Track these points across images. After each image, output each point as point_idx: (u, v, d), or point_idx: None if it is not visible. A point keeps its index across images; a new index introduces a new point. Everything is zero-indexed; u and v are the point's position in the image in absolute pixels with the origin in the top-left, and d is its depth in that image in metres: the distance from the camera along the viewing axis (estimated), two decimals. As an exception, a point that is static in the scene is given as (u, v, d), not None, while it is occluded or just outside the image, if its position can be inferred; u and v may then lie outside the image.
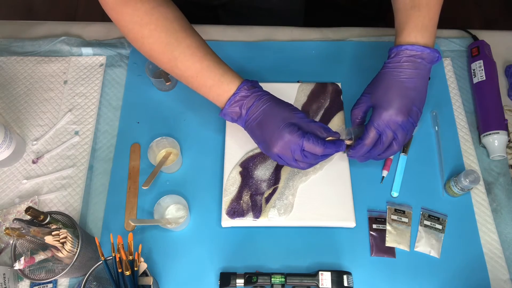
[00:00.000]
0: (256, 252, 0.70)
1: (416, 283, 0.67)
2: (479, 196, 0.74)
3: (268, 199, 0.70)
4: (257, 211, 0.69)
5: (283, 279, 0.64)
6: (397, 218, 0.71)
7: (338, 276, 0.64)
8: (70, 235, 0.61)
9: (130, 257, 0.59)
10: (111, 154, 0.78)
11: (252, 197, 0.71)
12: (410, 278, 0.68)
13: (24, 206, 0.72)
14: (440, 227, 0.71)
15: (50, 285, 0.67)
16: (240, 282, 0.64)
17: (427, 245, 0.70)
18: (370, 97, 0.64)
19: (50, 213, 0.63)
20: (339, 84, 0.81)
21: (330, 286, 0.63)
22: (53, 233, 0.61)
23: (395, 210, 0.72)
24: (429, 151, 0.78)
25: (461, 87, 0.85)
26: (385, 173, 0.75)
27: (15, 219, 0.59)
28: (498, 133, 0.75)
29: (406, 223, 0.71)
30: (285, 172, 0.72)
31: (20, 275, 0.61)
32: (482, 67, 0.81)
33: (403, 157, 0.76)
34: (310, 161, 0.62)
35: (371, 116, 0.63)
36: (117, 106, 0.83)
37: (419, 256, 0.69)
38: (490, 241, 0.71)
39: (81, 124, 0.81)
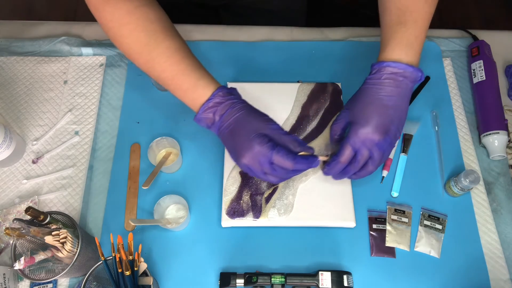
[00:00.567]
0: (256, 252, 0.70)
1: (416, 283, 0.67)
2: (479, 196, 0.74)
3: (268, 199, 0.70)
4: (257, 211, 0.69)
5: (283, 279, 0.64)
6: (397, 218, 0.71)
7: (338, 276, 0.64)
8: (70, 235, 0.61)
9: (130, 257, 0.59)
10: (111, 154, 0.78)
11: (252, 197, 0.71)
12: (410, 278, 0.68)
13: (24, 206, 0.72)
14: (440, 227, 0.71)
15: (50, 285, 0.67)
16: (240, 282, 0.64)
17: (427, 245, 0.70)
18: (349, 113, 0.62)
19: (50, 213, 0.63)
20: (339, 84, 0.81)
21: (330, 286, 0.63)
22: (53, 233, 0.61)
23: (395, 210, 0.72)
24: (429, 151, 0.78)
25: (461, 87, 0.85)
26: (385, 173, 0.75)
27: (15, 219, 0.59)
28: (498, 133, 0.75)
29: (406, 223, 0.71)
30: (285, 172, 0.72)
31: (20, 275, 0.61)
32: (482, 67, 0.81)
33: (403, 157, 0.76)
34: (279, 175, 0.59)
35: (347, 133, 0.61)
36: (117, 106, 0.83)
37: (419, 256, 0.69)
38: (490, 241, 0.71)
39: (81, 124, 0.81)
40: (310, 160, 0.59)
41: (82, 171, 0.76)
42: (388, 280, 0.68)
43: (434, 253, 0.69)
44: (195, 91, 0.61)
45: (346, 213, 0.69)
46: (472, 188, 0.71)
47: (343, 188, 0.71)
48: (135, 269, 0.59)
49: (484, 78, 0.81)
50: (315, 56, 0.88)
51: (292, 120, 0.77)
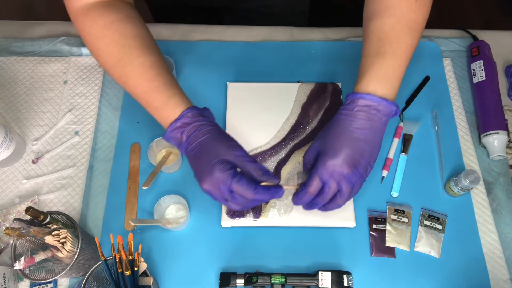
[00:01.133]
0: (256, 252, 0.70)
1: (416, 283, 0.67)
2: (479, 196, 0.74)
3: (268, 199, 0.70)
4: (257, 211, 0.69)
5: (283, 279, 0.64)
6: (397, 218, 0.72)
7: (338, 276, 0.64)
8: (70, 235, 0.61)
9: (130, 257, 0.59)
10: (111, 154, 0.78)
11: (252, 197, 0.70)
12: (410, 278, 0.68)
13: (24, 206, 0.72)
14: (440, 227, 0.71)
15: (50, 285, 0.67)
16: (240, 282, 0.64)
17: (427, 245, 0.70)
18: (320, 143, 0.60)
19: (50, 213, 0.63)
20: (339, 84, 0.82)
21: (330, 286, 0.63)
22: (53, 233, 0.61)
23: (395, 210, 0.72)
24: (429, 151, 0.78)
25: (461, 87, 0.85)
26: (385, 173, 0.75)
27: (15, 219, 0.59)
28: (498, 133, 0.75)
29: (406, 223, 0.71)
30: (285, 171, 0.72)
31: (20, 275, 0.61)
32: (482, 67, 0.81)
33: (403, 157, 0.76)
34: (240, 203, 0.57)
35: (316, 163, 0.59)
36: (117, 106, 0.83)
37: (419, 256, 0.69)
38: (490, 241, 0.71)
39: (81, 124, 0.81)
40: (273, 191, 0.57)
41: (82, 171, 0.76)
42: (388, 280, 0.68)
43: (434, 253, 0.69)
44: (165, 110, 0.59)
45: (346, 213, 0.69)
46: (472, 188, 0.71)
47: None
48: (135, 269, 0.59)
49: (484, 78, 0.81)
50: (315, 56, 0.88)
51: (292, 120, 0.77)
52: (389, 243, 0.70)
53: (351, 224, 0.69)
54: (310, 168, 0.63)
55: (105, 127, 0.81)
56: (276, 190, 0.58)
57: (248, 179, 0.56)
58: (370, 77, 0.57)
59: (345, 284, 0.64)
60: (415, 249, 0.70)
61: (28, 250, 0.62)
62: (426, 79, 0.85)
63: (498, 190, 0.75)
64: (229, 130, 0.77)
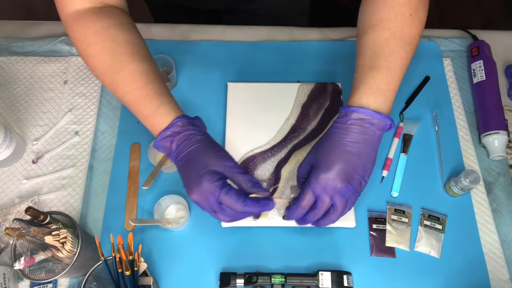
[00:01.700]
0: (256, 252, 0.70)
1: (416, 283, 0.67)
2: (479, 196, 0.74)
3: (268, 199, 0.70)
4: (257, 211, 0.69)
5: (283, 279, 0.64)
6: (397, 218, 0.72)
7: (338, 276, 0.64)
8: (70, 235, 0.61)
9: (130, 257, 0.59)
10: (111, 154, 0.78)
11: (252, 197, 0.70)
12: (410, 278, 0.68)
13: (24, 206, 0.72)
14: (440, 227, 0.71)
15: (50, 285, 0.67)
16: (240, 282, 0.64)
17: (427, 245, 0.70)
18: (313, 156, 0.59)
19: (50, 213, 0.63)
20: (339, 84, 0.81)
21: (330, 286, 0.63)
22: (53, 233, 0.61)
23: (395, 210, 0.72)
24: (429, 151, 0.78)
25: (461, 87, 0.85)
26: (385, 173, 0.75)
27: (15, 219, 0.59)
28: (498, 133, 0.75)
29: (406, 223, 0.71)
30: (285, 171, 0.72)
31: (20, 275, 0.61)
32: (482, 67, 0.81)
33: (403, 157, 0.76)
34: (229, 215, 0.56)
35: (309, 177, 0.57)
36: (117, 106, 0.83)
37: (419, 256, 0.69)
38: (490, 241, 0.71)
39: (81, 124, 0.81)
40: (262, 203, 0.56)
41: (82, 171, 0.76)
42: (388, 280, 0.68)
43: (434, 253, 0.69)
44: (154, 118, 0.58)
45: (346, 213, 0.69)
46: (472, 188, 0.71)
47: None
48: (135, 269, 0.59)
49: (484, 78, 0.81)
50: (315, 56, 0.88)
51: (292, 120, 0.77)
52: (389, 243, 0.70)
53: (351, 224, 0.69)
54: (303, 182, 0.61)
55: (105, 127, 0.81)
56: (266, 202, 0.57)
57: (238, 191, 0.55)
58: (364, 91, 0.56)
59: (345, 284, 0.64)
60: (415, 249, 0.70)
61: (28, 250, 0.62)
62: (426, 79, 0.85)
63: (498, 190, 0.75)
64: (229, 130, 0.77)
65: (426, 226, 0.71)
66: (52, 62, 0.87)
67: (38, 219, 0.61)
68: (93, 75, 0.85)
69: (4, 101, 0.83)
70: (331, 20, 1.01)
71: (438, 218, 0.72)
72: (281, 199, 0.62)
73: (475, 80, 0.82)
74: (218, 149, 0.58)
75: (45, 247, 0.62)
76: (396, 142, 0.78)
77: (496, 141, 0.75)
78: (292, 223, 0.69)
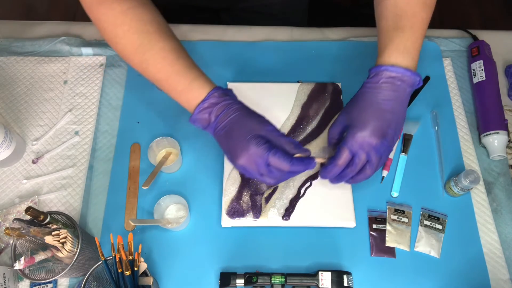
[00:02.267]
0: (256, 252, 0.70)
1: (416, 283, 0.68)
2: (479, 196, 0.74)
3: (268, 199, 0.70)
4: (257, 211, 0.70)
5: (283, 279, 0.64)
6: (397, 218, 0.72)
7: (338, 276, 0.64)
8: (70, 235, 0.61)
9: (130, 257, 0.59)
10: (111, 154, 0.78)
11: (252, 197, 0.71)
12: (410, 278, 0.68)
13: (24, 206, 0.72)
14: (440, 227, 0.71)
15: (50, 285, 0.67)
16: (240, 282, 0.64)
17: (427, 245, 0.70)
18: (346, 117, 0.62)
19: (50, 213, 0.63)
20: (339, 84, 0.82)
21: (330, 286, 0.63)
22: (53, 233, 0.61)
23: (395, 210, 0.72)
24: (429, 151, 0.78)
25: (461, 87, 0.85)
26: (385, 173, 0.75)
27: (15, 219, 0.59)
28: (498, 133, 0.75)
29: (406, 223, 0.71)
30: (285, 172, 0.72)
31: (20, 275, 0.61)
32: (482, 67, 0.81)
33: (403, 157, 0.76)
34: (276, 176, 0.58)
35: (345, 136, 0.60)
36: (117, 106, 0.83)
37: (419, 256, 0.69)
38: (490, 241, 0.71)
39: (81, 124, 0.81)
40: (306, 162, 0.59)
41: (82, 171, 0.76)
42: (388, 280, 0.68)
43: (434, 253, 0.69)
44: (190, 92, 0.60)
45: (346, 213, 0.69)
46: (472, 188, 0.71)
47: (343, 188, 0.71)
48: (135, 269, 0.59)
49: (484, 78, 0.81)
50: (315, 56, 0.88)
51: (292, 120, 0.77)
52: (389, 243, 0.70)
53: (351, 224, 0.69)
54: (335, 143, 0.65)
55: (105, 127, 0.81)
56: (309, 161, 0.59)
57: (283, 152, 0.57)
58: (392, 50, 0.59)
59: (345, 284, 0.64)
60: (415, 249, 0.70)
61: (28, 250, 0.62)
62: (426, 79, 0.85)
63: (498, 190, 0.75)
64: (229, 130, 0.77)
65: (426, 226, 0.71)
66: (52, 62, 0.87)
67: (38, 219, 0.61)
68: (93, 75, 0.85)
69: (4, 101, 0.83)
70: (330, 18, 1.01)
71: (438, 218, 0.72)
72: (319, 158, 0.63)
73: (475, 80, 0.82)
74: (257, 115, 0.61)
75: (45, 247, 0.62)
76: (396, 142, 0.78)
77: (496, 141, 0.75)
78: (292, 223, 0.69)
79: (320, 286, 0.63)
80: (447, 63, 0.87)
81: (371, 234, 0.71)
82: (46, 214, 0.61)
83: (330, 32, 0.92)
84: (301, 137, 0.76)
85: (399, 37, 0.59)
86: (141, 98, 0.83)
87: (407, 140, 0.78)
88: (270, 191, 0.71)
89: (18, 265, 0.59)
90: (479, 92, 0.81)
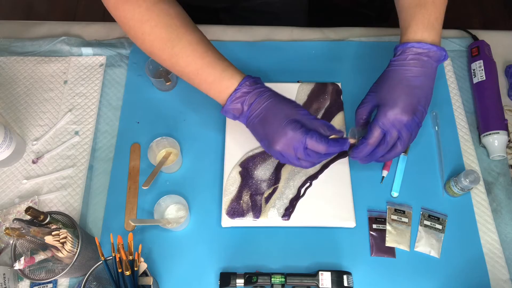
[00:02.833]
0: (256, 252, 0.70)
1: (416, 283, 0.67)
2: (479, 196, 0.74)
3: (268, 199, 0.70)
4: (257, 211, 0.70)
5: (283, 279, 0.64)
6: (397, 218, 0.71)
7: (338, 276, 0.64)
8: (70, 235, 0.61)
9: (130, 257, 0.59)
10: (111, 154, 0.78)
11: (252, 197, 0.71)
12: (410, 278, 0.68)
13: (24, 206, 0.72)
14: (440, 227, 0.71)
15: (50, 285, 0.67)
16: (240, 282, 0.64)
17: (427, 245, 0.70)
18: (375, 96, 0.63)
19: (50, 213, 0.63)
20: (339, 84, 0.82)
21: (330, 286, 0.63)
22: (53, 233, 0.61)
23: (395, 210, 0.72)
24: (429, 151, 0.78)
25: (461, 87, 0.85)
26: (385, 173, 0.75)
27: (15, 219, 0.59)
28: (498, 133, 0.75)
29: (406, 223, 0.71)
30: (285, 171, 0.72)
31: (20, 275, 0.61)
32: (482, 67, 0.81)
33: (403, 157, 0.76)
34: (312, 159, 0.60)
35: (375, 115, 0.61)
36: (117, 106, 0.83)
37: (419, 256, 0.69)
38: (490, 241, 0.71)
39: (81, 124, 0.81)
40: (341, 142, 0.60)
41: (82, 171, 0.76)
42: (388, 280, 0.68)
43: (434, 253, 0.69)
44: (221, 83, 0.61)
45: (346, 213, 0.69)
46: (472, 188, 0.71)
47: (343, 188, 0.71)
48: (135, 269, 0.59)
49: (484, 78, 0.81)
50: (315, 56, 0.88)
51: (292, 120, 0.77)
52: (389, 243, 0.70)
53: (351, 224, 0.69)
54: (364, 123, 0.65)
55: (105, 127, 0.81)
56: (343, 141, 0.61)
57: (319, 134, 0.59)
58: (417, 27, 0.60)
59: (345, 284, 0.64)
60: (415, 249, 0.70)
61: (28, 250, 0.62)
62: (426, 79, 0.85)
63: (498, 190, 0.75)
64: (229, 130, 0.77)
65: (426, 226, 0.71)
66: (52, 62, 0.87)
67: (38, 219, 0.61)
68: (93, 75, 0.85)
69: (4, 101, 0.83)
70: (330, 18, 1.01)
71: (438, 218, 0.72)
72: (352, 139, 0.64)
73: (475, 80, 0.82)
74: (289, 101, 0.62)
75: (45, 247, 0.62)
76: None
77: (496, 141, 0.75)
78: (292, 223, 0.69)
79: (320, 286, 0.63)
80: (447, 63, 0.87)
81: (371, 234, 0.71)
82: (46, 214, 0.61)
83: (330, 32, 0.92)
84: (301, 137, 0.76)
85: (422, 13, 0.60)
86: (141, 98, 0.83)
87: (407, 140, 0.78)
88: (270, 191, 0.71)
89: (18, 265, 0.59)
90: (479, 92, 0.81)
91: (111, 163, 0.77)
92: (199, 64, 0.62)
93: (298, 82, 0.82)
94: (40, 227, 0.61)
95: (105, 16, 0.65)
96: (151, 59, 0.79)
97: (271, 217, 0.69)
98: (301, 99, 0.80)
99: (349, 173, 0.73)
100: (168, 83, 0.80)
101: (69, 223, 0.65)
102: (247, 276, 0.64)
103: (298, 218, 0.69)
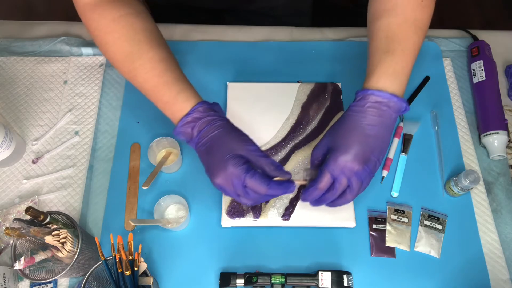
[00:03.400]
0: (256, 252, 0.70)
1: (416, 283, 0.67)
2: (479, 196, 0.74)
3: (268, 199, 0.70)
4: (257, 211, 0.69)
5: (283, 279, 0.64)
6: (397, 218, 0.72)
7: (338, 276, 0.64)
8: (70, 235, 0.61)
9: (130, 257, 0.59)
10: (111, 154, 0.78)
11: (252, 197, 0.70)
12: (410, 278, 0.68)
13: (24, 206, 0.72)
14: (440, 227, 0.71)
15: (50, 285, 0.67)
16: (240, 282, 0.64)
17: (427, 245, 0.70)
18: (330, 139, 0.60)
19: (50, 213, 0.63)
20: (339, 84, 0.82)
21: (330, 286, 0.63)
22: (53, 233, 0.61)
23: (395, 210, 0.72)
24: (429, 151, 0.78)
25: (461, 87, 0.85)
26: (385, 173, 0.75)
27: (15, 219, 0.59)
28: (498, 133, 0.75)
29: (406, 223, 0.71)
30: (285, 172, 0.72)
31: (20, 275, 0.61)
32: (482, 67, 0.81)
33: (403, 157, 0.76)
34: (253, 198, 0.57)
35: (327, 159, 0.58)
36: (117, 106, 0.83)
37: (419, 256, 0.69)
38: (490, 241, 0.71)
39: (81, 124, 0.81)
40: (285, 186, 0.58)
41: (82, 171, 0.76)
42: (388, 280, 0.68)
43: (434, 253, 0.69)
44: (175, 105, 0.59)
45: (346, 213, 0.69)
46: (472, 188, 0.71)
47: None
48: (135, 269, 0.59)
49: (484, 78, 0.81)
50: (315, 56, 0.88)
51: (292, 120, 0.77)
52: (389, 243, 0.70)
53: (351, 224, 0.69)
54: (318, 165, 0.63)
55: (105, 127, 0.81)
56: (288, 185, 0.58)
57: (262, 174, 0.56)
58: (380, 74, 0.58)
59: (345, 284, 0.64)
60: (415, 249, 0.70)
61: (28, 250, 0.62)
62: (426, 79, 0.85)
63: (498, 190, 0.75)
64: (229, 130, 0.77)
65: (426, 226, 0.71)
66: (52, 62, 0.87)
67: (38, 219, 0.61)
68: (93, 75, 0.85)
69: (4, 101, 0.83)
70: (333, 21, 1.01)
71: (438, 218, 0.72)
72: (300, 181, 0.62)
73: (475, 80, 0.82)
74: (240, 134, 0.59)
75: (45, 247, 0.62)
76: (396, 142, 0.78)
77: (496, 141, 0.75)
78: (292, 223, 0.69)
79: (320, 286, 0.63)
80: (447, 63, 0.87)
81: (371, 234, 0.71)
82: (46, 214, 0.61)
83: (330, 32, 0.92)
84: (301, 137, 0.76)
85: (388, 60, 0.58)
86: (141, 98, 0.82)
87: (407, 140, 0.78)
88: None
89: (18, 265, 0.59)
90: (479, 92, 0.81)
91: (111, 163, 0.77)
92: (156, 82, 0.60)
93: (298, 82, 0.82)
94: (40, 227, 0.61)
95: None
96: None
97: (271, 217, 0.69)
98: (301, 99, 0.80)
99: (349, 173, 0.73)
100: (168, 83, 0.80)
101: (69, 223, 0.65)
102: (247, 276, 0.64)
103: (298, 218, 0.69)
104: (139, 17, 0.61)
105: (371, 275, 0.68)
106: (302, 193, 0.61)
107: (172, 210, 0.72)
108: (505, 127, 0.76)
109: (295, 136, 0.76)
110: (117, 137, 0.79)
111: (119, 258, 0.58)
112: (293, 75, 0.85)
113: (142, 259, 0.60)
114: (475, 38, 0.89)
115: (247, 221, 0.69)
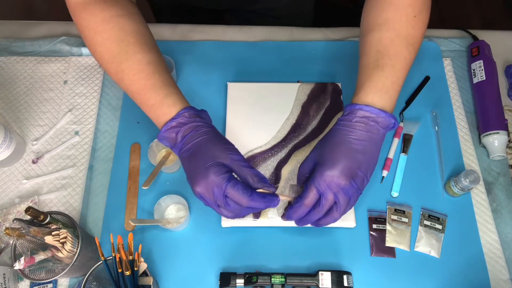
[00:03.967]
0: (256, 252, 0.70)
1: (416, 283, 0.67)
2: (479, 196, 0.74)
3: (268, 199, 0.70)
4: (257, 211, 0.69)
5: (283, 279, 0.64)
6: (397, 218, 0.72)
7: (338, 276, 0.64)
8: (70, 235, 0.61)
9: (130, 257, 0.59)
10: (111, 154, 0.78)
11: (252, 197, 0.70)
12: (410, 278, 0.68)
13: (24, 206, 0.72)
14: (440, 227, 0.71)
15: (50, 285, 0.67)
16: (240, 282, 0.64)
17: (427, 245, 0.70)
18: (317, 154, 0.58)
19: (50, 213, 0.63)
20: (339, 84, 0.82)
21: (330, 286, 0.63)
22: (53, 233, 0.61)
23: (395, 210, 0.72)
24: (429, 151, 0.78)
25: (461, 87, 0.85)
26: (385, 173, 0.75)
27: (15, 219, 0.59)
28: (498, 133, 0.75)
29: (406, 223, 0.71)
30: (285, 171, 0.72)
31: (20, 275, 0.61)
32: (482, 67, 0.81)
33: (403, 157, 0.76)
34: (233, 210, 0.55)
35: (313, 174, 0.57)
36: (117, 106, 0.83)
37: (419, 256, 0.69)
38: (490, 241, 0.71)
39: (81, 124, 0.81)
40: (268, 199, 0.56)
41: (82, 171, 0.76)
42: (388, 280, 0.68)
43: (434, 253, 0.69)
44: (160, 108, 0.58)
45: (347, 211, 0.69)
46: (472, 188, 0.71)
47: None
48: (135, 269, 0.59)
49: (484, 78, 0.81)
50: (315, 56, 0.88)
51: (292, 120, 0.77)
52: (389, 243, 0.70)
53: (351, 224, 0.69)
54: (304, 181, 0.61)
55: (105, 127, 0.81)
56: (271, 198, 0.56)
57: (244, 185, 0.54)
58: (369, 89, 0.57)
59: (345, 284, 0.64)
60: (415, 249, 0.70)
61: (28, 250, 0.62)
62: (426, 79, 0.85)
63: (498, 190, 0.75)
64: (229, 130, 0.77)
65: (426, 226, 0.71)
66: (52, 62, 0.87)
67: (38, 219, 0.61)
68: (93, 75, 0.85)
69: (4, 101, 0.83)
70: (335, 21, 1.01)
71: (438, 218, 0.72)
72: (285, 196, 0.62)
73: (475, 80, 0.82)
74: (225, 142, 0.57)
75: (45, 247, 0.62)
76: (396, 142, 0.78)
77: (496, 141, 0.75)
78: (292, 223, 0.69)
79: (320, 286, 0.63)
80: (447, 63, 0.87)
81: (371, 234, 0.71)
82: (46, 214, 0.61)
83: (330, 32, 0.92)
84: (301, 137, 0.76)
85: (378, 75, 0.57)
86: (141, 98, 0.83)
87: (407, 140, 0.78)
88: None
89: (18, 265, 0.59)
90: (479, 92, 0.81)
91: (111, 163, 0.77)
92: (142, 85, 0.58)
93: (298, 82, 0.82)
94: (40, 227, 0.61)
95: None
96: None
97: (271, 217, 0.69)
98: (301, 99, 0.80)
99: (349, 173, 0.72)
100: (168, 83, 0.80)
101: (69, 223, 0.65)
102: (247, 276, 0.64)
103: (298, 218, 0.69)
104: (130, 18, 0.61)
105: (371, 275, 0.68)
106: (286, 211, 0.59)
107: (172, 210, 0.72)
108: (505, 127, 0.76)
109: (295, 136, 0.76)
110: (117, 137, 0.79)
111: (119, 258, 0.58)
112: (293, 75, 0.85)
113: (142, 259, 0.60)
114: (475, 38, 0.89)
115: (247, 221, 0.69)
